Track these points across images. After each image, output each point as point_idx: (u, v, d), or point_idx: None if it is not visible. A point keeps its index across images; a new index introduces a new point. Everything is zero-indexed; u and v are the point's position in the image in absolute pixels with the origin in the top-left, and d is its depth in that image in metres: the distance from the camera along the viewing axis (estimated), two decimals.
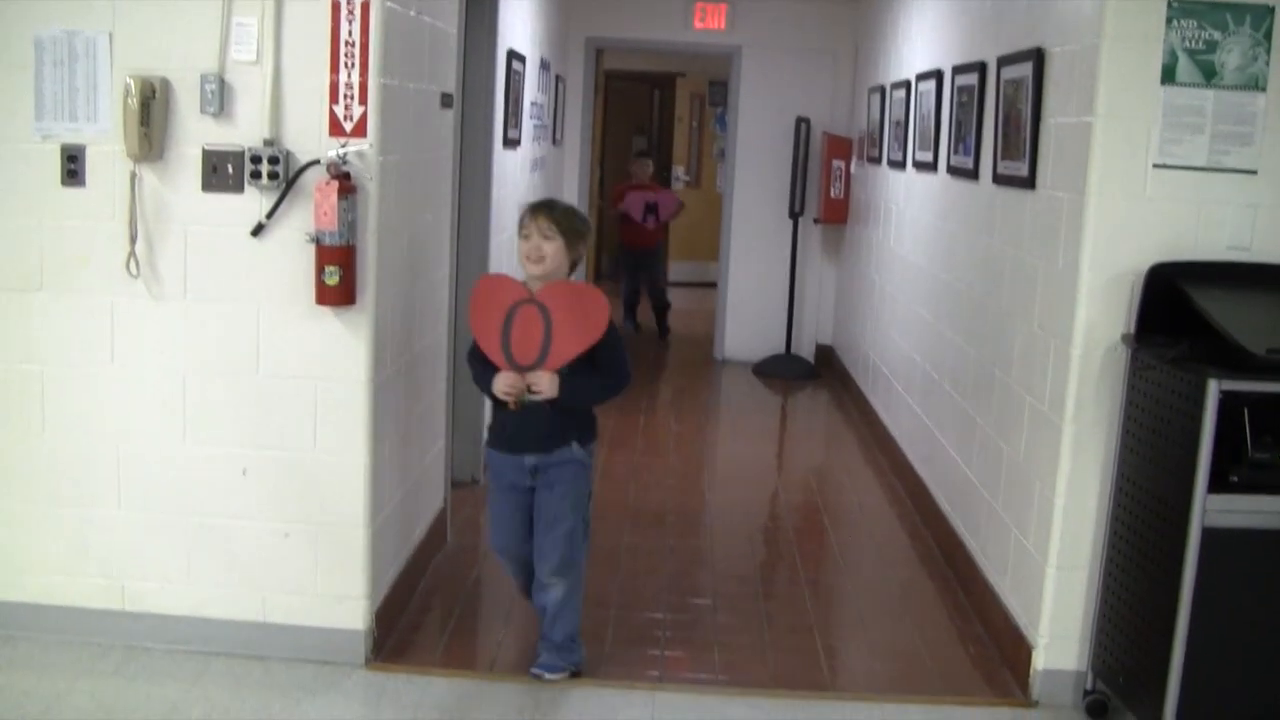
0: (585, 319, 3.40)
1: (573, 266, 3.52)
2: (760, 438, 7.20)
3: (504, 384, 3.40)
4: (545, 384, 3.37)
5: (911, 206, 6.13)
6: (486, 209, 5.39)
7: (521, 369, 3.38)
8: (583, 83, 8.83)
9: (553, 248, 3.43)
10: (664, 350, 9.39)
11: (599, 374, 3.46)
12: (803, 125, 8.40)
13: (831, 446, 6.99)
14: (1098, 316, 3.42)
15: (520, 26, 6.28)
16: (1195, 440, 2.97)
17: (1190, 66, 3.29)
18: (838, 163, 8.27)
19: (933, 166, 5.55)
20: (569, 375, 3.40)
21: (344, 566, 3.59)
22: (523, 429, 3.49)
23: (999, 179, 4.32)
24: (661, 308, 9.72)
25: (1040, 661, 3.60)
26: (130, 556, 3.61)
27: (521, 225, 3.49)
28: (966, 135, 4.86)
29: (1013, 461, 3.98)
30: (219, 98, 3.37)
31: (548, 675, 3.59)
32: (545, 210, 3.49)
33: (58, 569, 3.63)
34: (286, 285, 3.44)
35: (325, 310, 3.43)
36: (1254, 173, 3.33)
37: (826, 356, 8.76)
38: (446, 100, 4.30)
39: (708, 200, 11.29)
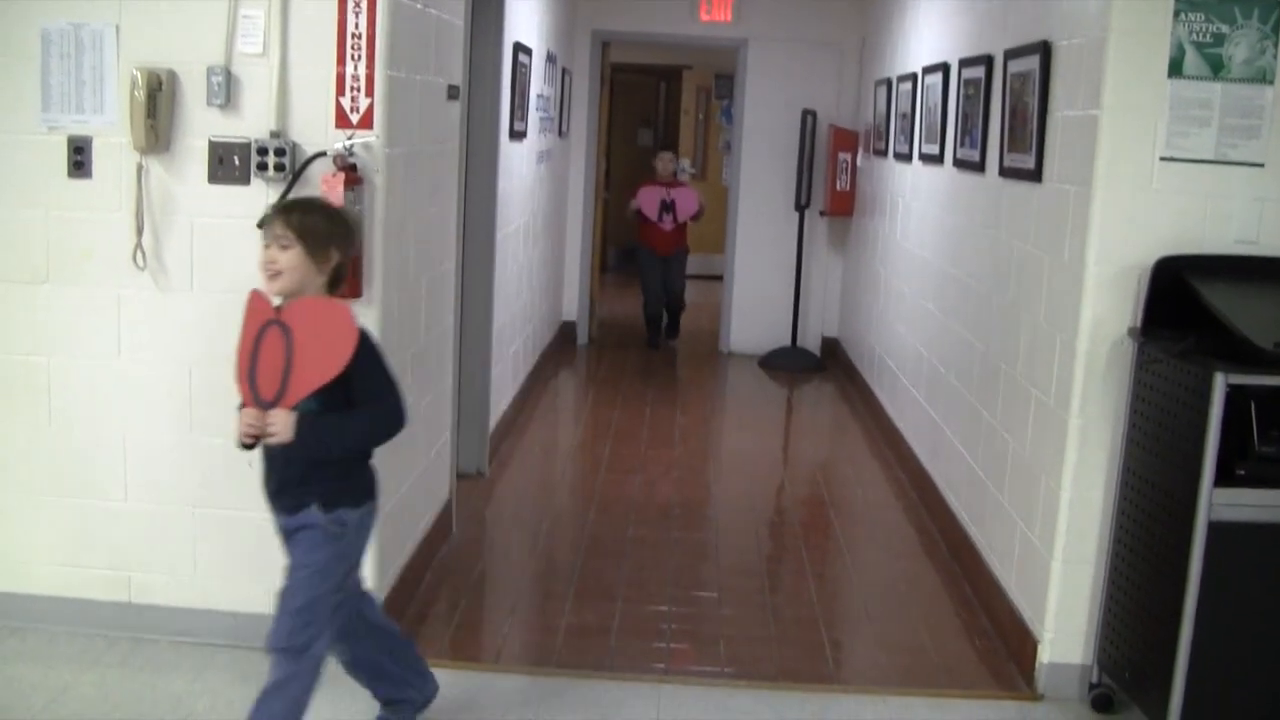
0: (330, 343, 2.75)
1: (334, 280, 2.86)
2: (766, 431, 7.20)
3: (242, 422, 2.80)
4: (279, 424, 2.73)
5: (918, 199, 6.12)
6: (493, 201, 5.40)
7: (266, 405, 2.76)
8: (589, 75, 8.82)
9: (291, 258, 2.76)
10: (670, 344, 9.36)
11: (356, 411, 2.81)
12: (809, 118, 8.39)
13: (837, 440, 6.99)
14: (1104, 310, 3.41)
15: (526, 19, 6.28)
16: (1201, 434, 2.97)
17: (1198, 59, 3.28)
18: (844, 155, 8.25)
19: (939, 159, 5.54)
20: (318, 413, 2.77)
21: None
22: (273, 481, 2.89)
23: (1005, 172, 4.32)
24: (676, 309, 9.42)
25: (1046, 655, 3.60)
26: (136, 548, 3.62)
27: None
28: (973, 128, 4.85)
29: (1018, 455, 3.98)
30: (225, 90, 3.38)
31: None
32: (281, 214, 2.82)
33: (64, 560, 3.64)
34: None
35: None
36: (1261, 166, 3.32)
37: (832, 349, 8.76)
38: (453, 93, 4.30)
39: (714, 193, 11.28)
